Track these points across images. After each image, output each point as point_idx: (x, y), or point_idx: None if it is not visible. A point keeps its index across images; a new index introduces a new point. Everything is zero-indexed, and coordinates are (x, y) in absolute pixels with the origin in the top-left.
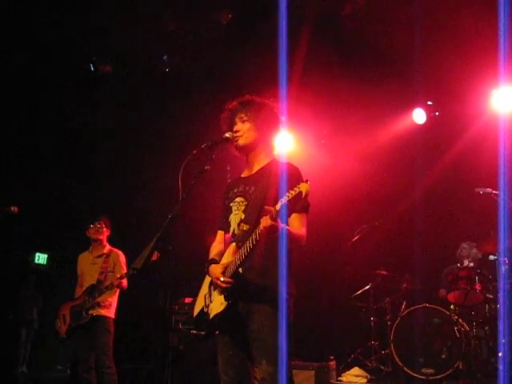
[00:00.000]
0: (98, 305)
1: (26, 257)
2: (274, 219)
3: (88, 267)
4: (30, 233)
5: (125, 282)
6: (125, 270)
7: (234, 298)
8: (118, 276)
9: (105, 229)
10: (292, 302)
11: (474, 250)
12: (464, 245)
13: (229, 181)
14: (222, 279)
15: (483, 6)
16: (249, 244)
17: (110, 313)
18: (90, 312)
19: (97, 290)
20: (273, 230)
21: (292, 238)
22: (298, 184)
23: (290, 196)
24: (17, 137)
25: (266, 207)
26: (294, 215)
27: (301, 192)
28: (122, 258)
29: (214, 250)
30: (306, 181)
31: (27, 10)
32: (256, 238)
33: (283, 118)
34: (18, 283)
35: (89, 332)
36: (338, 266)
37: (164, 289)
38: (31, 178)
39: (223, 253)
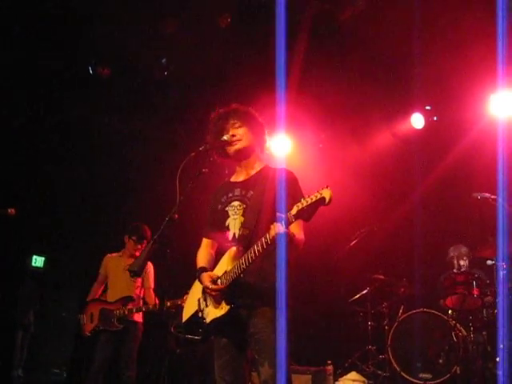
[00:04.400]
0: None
1: (23, 259)
2: (287, 226)
3: (121, 274)
4: (28, 235)
5: (153, 296)
6: (152, 283)
7: (235, 303)
8: (157, 306)
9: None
10: (290, 308)
11: (463, 250)
12: (451, 248)
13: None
14: (210, 287)
15: (482, 10)
16: (257, 248)
17: (140, 317)
18: (123, 321)
19: (135, 306)
20: (285, 238)
21: (295, 244)
22: (295, 188)
23: (310, 201)
24: (14, 139)
25: (278, 214)
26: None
27: (323, 198)
28: (152, 269)
29: (202, 257)
30: (327, 186)
31: (26, 14)
32: (267, 243)
33: (268, 126)
34: (15, 286)
35: (116, 337)
36: (336, 270)
37: (161, 292)
38: (29, 181)
39: (212, 259)
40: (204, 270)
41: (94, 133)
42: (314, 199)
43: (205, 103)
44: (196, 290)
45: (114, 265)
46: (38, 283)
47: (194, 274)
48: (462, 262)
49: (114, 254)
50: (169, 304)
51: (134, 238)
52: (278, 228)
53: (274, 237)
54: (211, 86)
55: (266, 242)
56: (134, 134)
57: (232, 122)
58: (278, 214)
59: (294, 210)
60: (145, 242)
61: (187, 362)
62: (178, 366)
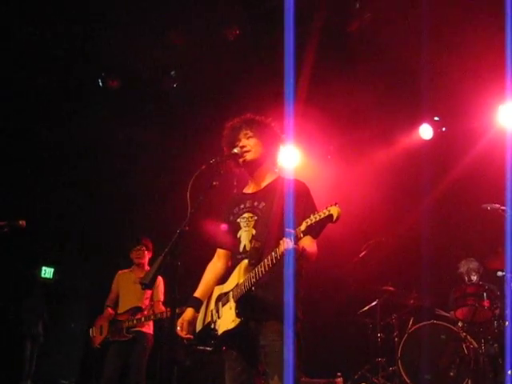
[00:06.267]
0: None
1: (32, 270)
2: (296, 242)
3: (131, 286)
4: (37, 246)
5: (162, 307)
6: (162, 296)
7: (245, 316)
8: (166, 313)
9: (146, 252)
10: (299, 320)
11: (474, 264)
12: (462, 262)
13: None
14: (177, 330)
15: (490, 21)
16: (267, 263)
17: (150, 329)
18: (132, 331)
19: (144, 315)
20: (294, 253)
21: (307, 256)
22: (307, 200)
23: (318, 218)
24: (25, 150)
25: (287, 229)
26: None
27: (331, 215)
28: (162, 282)
29: (210, 271)
30: (336, 203)
31: (35, 25)
32: (276, 258)
33: (284, 136)
34: (24, 297)
35: (126, 347)
36: (345, 282)
37: (171, 303)
38: (38, 192)
39: (222, 272)
40: (194, 302)
41: (106, 144)
42: (322, 216)
43: (213, 116)
44: (211, 300)
45: (125, 278)
46: (46, 294)
47: None
48: (472, 277)
49: (125, 270)
50: (178, 311)
51: (134, 248)
52: (287, 244)
53: (283, 252)
54: (220, 98)
55: (276, 257)
56: (145, 145)
57: (244, 132)
58: (286, 230)
59: (303, 226)
60: (143, 248)
61: (196, 374)
62: (187, 378)
